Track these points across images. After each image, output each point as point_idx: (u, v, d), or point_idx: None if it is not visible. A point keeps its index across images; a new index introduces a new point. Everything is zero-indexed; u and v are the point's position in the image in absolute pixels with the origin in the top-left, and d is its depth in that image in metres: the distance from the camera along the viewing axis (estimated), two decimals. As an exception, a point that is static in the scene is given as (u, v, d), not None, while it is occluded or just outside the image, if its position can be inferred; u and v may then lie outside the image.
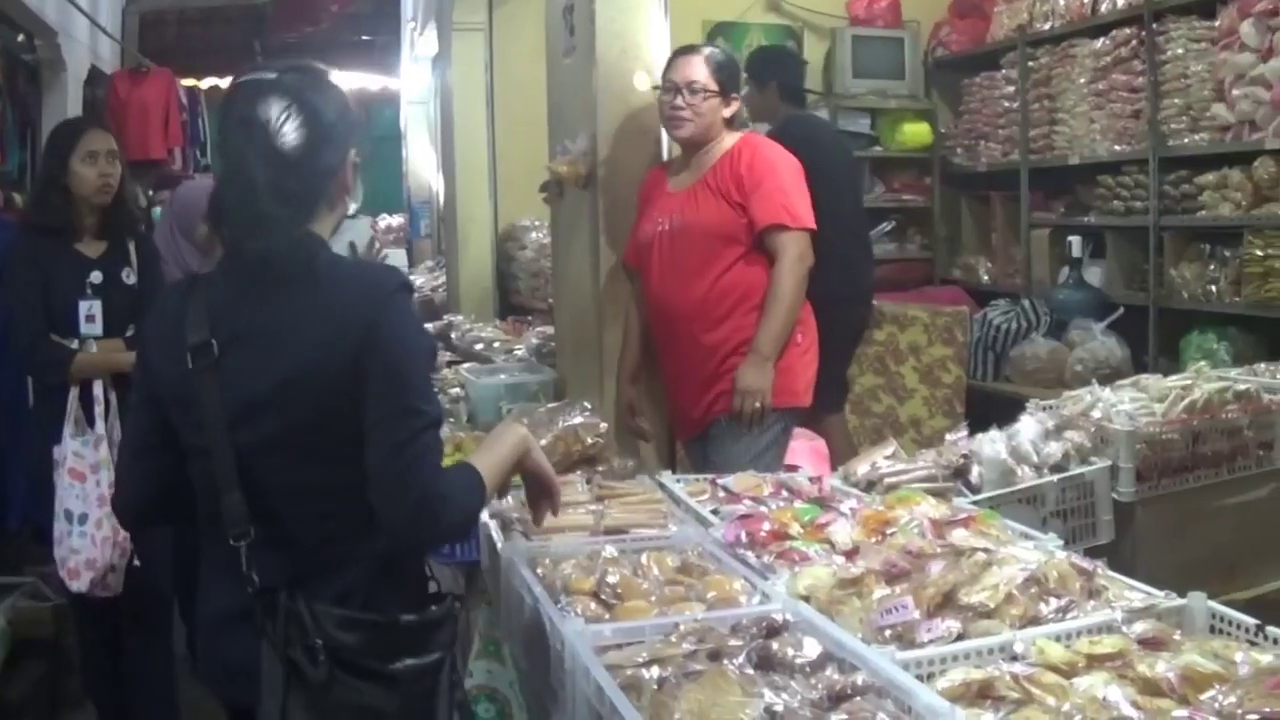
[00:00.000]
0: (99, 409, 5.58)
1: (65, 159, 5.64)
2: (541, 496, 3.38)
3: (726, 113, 5.66)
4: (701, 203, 5.57)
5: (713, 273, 5.51)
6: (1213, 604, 2.95)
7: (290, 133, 2.96)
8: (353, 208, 3.26)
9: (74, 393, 5.54)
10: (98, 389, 5.57)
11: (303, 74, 3.14)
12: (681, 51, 5.71)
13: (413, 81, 16.02)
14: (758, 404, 5.38)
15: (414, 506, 2.84)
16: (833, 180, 6.30)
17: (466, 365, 7.44)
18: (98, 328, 5.64)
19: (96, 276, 5.65)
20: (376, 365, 2.84)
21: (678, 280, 5.57)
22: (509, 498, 3.97)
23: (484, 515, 4.04)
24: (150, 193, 13.09)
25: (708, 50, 5.73)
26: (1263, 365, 5.56)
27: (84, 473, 5.49)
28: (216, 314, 2.95)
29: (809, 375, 5.66)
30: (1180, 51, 8.14)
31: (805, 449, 5.78)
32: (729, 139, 5.66)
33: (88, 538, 5.46)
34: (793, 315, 5.49)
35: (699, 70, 5.56)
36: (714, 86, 5.56)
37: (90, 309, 5.64)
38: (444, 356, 8.39)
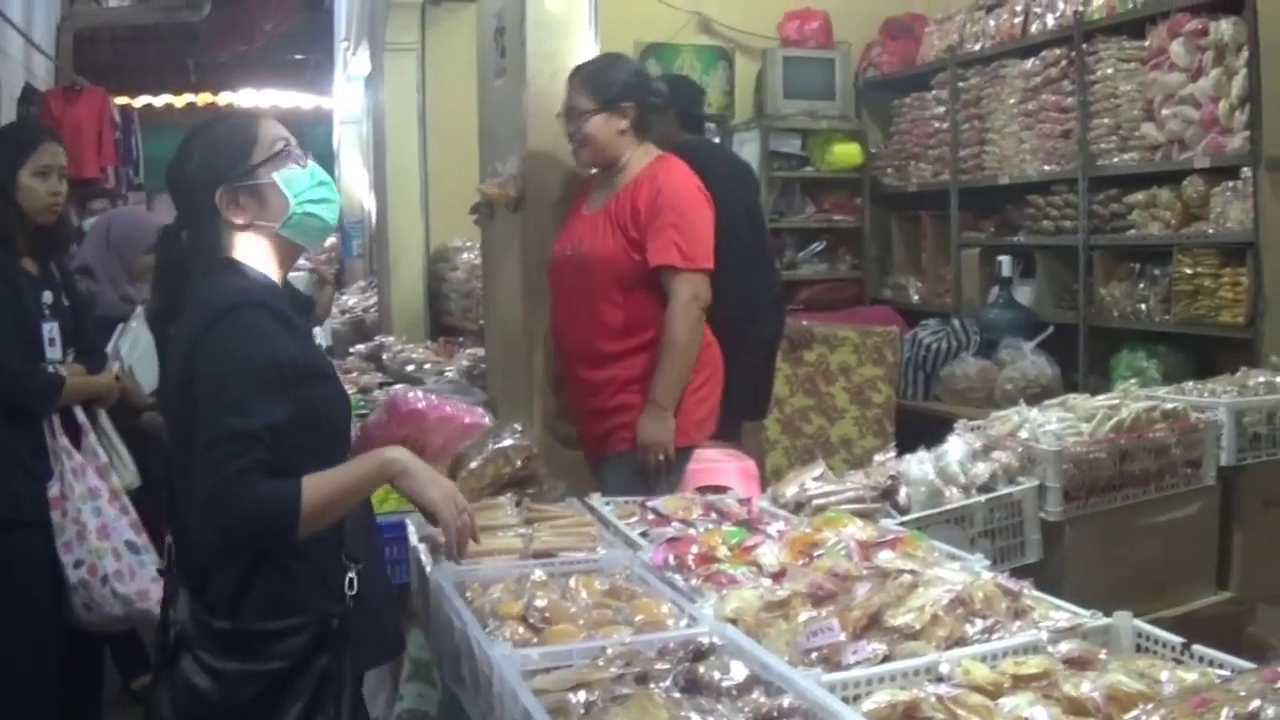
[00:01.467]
0: (91, 437, 5.36)
1: (15, 169, 5.25)
2: (438, 524, 3.45)
3: (622, 124, 5.46)
4: (600, 233, 5.42)
5: (602, 309, 5.37)
6: (1139, 623, 2.96)
7: (182, 168, 3.43)
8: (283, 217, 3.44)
9: (53, 421, 5.25)
10: (80, 415, 5.42)
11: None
12: (570, 75, 5.58)
13: (345, 101, 15.98)
14: (660, 457, 5.26)
15: (202, 510, 3.13)
16: (724, 204, 6.27)
17: (396, 387, 7.42)
18: (58, 351, 5.40)
19: (48, 297, 5.41)
20: (201, 375, 3.14)
21: (570, 312, 5.49)
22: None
23: (413, 539, 4.05)
24: (84, 209, 13.02)
25: (585, 69, 5.57)
26: (1191, 384, 5.59)
27: (123, 502, 5.37)
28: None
29: (700, 413, 5.51)
30: (1110, 71, 8.19)
31: (734, 470, 5.73)
32: (638, 161, 5.50)
33: (153, 566, 5.23)
34: (689, 359, 5.33)
35: (575, 93, 5.45)
36: (591, 105, 5.40)
37: (51, 331, 5.37)
38: (375, 378, 8.39)
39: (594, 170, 5.63)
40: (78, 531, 5.21)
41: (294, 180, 3.46)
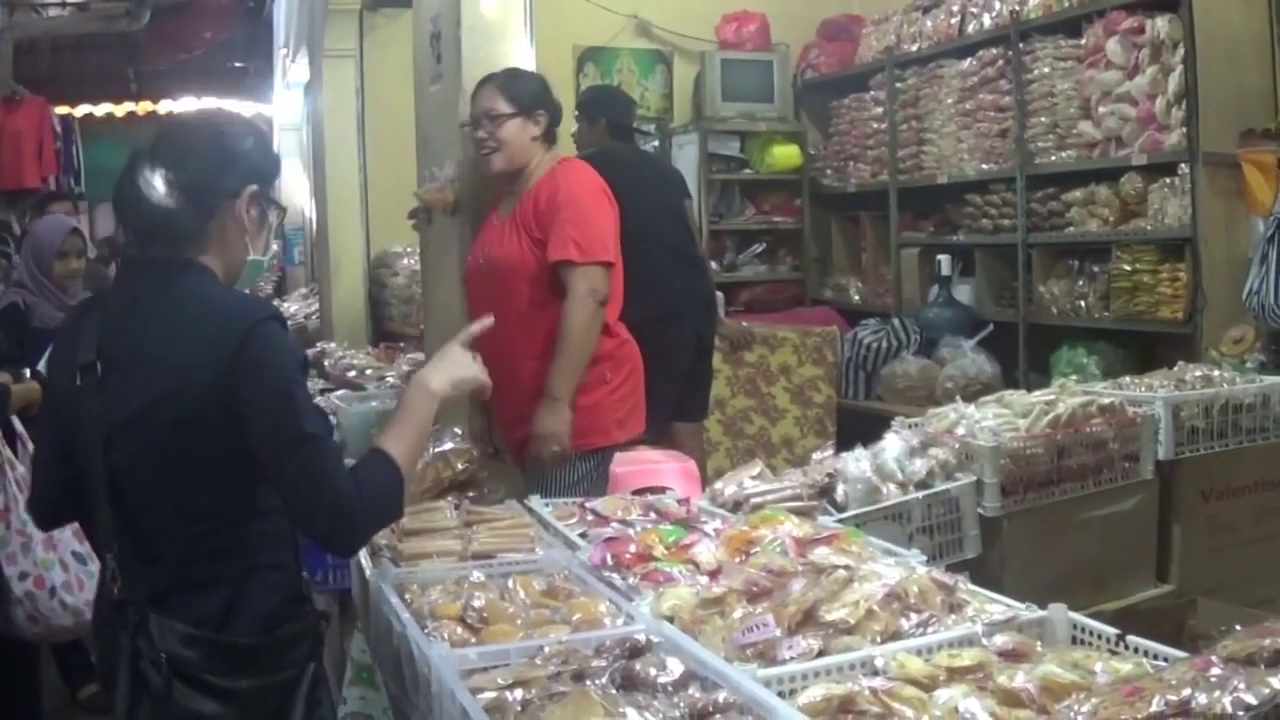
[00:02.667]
0: (32, 445, 5.32)
1: None
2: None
3: (535, 130, 5.52)
4: (507, 239, 5.48)
5: (515, 313, 5.31)
6: (1074, 615, 2.97)
7: (167, 172, 3.16)
8: (262, 256, 3.39)
9: None
10: (18, 425, 5.39)
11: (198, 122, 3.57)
12: (479, 84, 5.60)
13: (285, 108, 15.89)
14: (555, 448, 5.29)
15: (328, 519, 3.02)
16: (642, 207, 6.23)
17: (338, 393, 7.41)
18: None
19: None
20: (253, 394, 2.99)
21: (495, 318, 5.40)
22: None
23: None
24: (26, 219, 12.99)
25: (500, 76, 5.58)
26: (1128, 378, 5.62)
27: None
28: (106, 335, 3.12)
29: (621, 411, 5.56)
30: (1046, 70, 8.25)
31: (675, 470, 5.72)
32: (541, 166, 5.55)
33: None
34: (584, 352, 5.35)
35: (491, 98, 5.47)
36: (509, 109, 5.44)
37: None
38: (316, 384, 8.36)
39: (502, 175, 5.61)
40: (23, 543, 5.19)
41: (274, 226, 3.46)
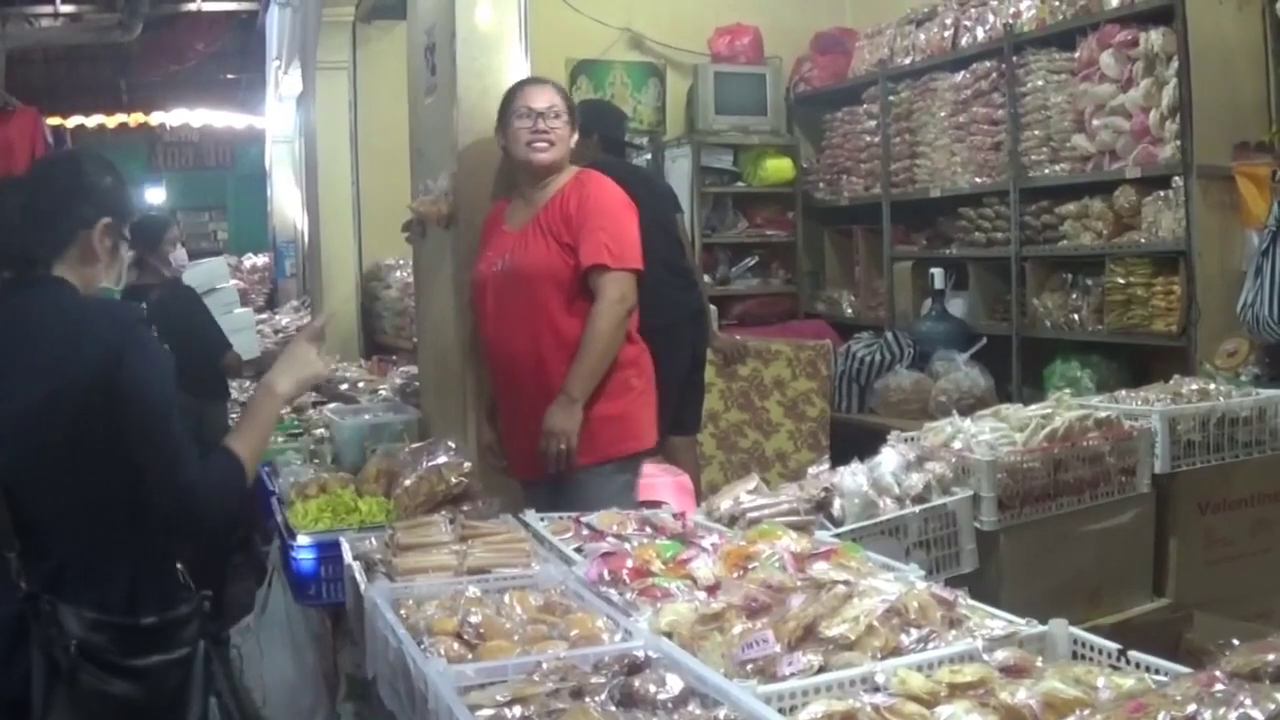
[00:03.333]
0: None
1: None
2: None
3: (574, 142, 5.62)
4: (532, 244, 5.47)
5: (545, 317, 5.39)
6: (1075, 630, 2.95)
7: (30, 199, 3.51)
8: (114, 285, 3.72)
9: None
10: None
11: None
12: (530, 82, 5.66)
13: (278, 120, 15.88)
14: (562, 445, 5.23)
15: (173, 502, 3.37)
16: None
17: (331, 405, 7.40)
18: None
19: None
20: (127, 392, 3.30)
21: (512, 324, 5.46)
22: (371, 539, 3.97)
23: (348, 557, 4.02)
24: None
25: (551, 81, 5.71)
26: (1124, 392, 5.60)
27: None
28: None
29: (648, 416, 5.61)
30: (1040, 83, 8.26)
31: (669, 484, 5.74)
32: (563, 178, 5.59)
33: None
34: (607, 357, 5.37)
35: (555, 97, 5.53)
36: (568, 114, 5.54)
37: None
38: (309, 396, 8.35)
39: (538, 172, 5.58)
40: None
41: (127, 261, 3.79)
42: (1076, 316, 8.02)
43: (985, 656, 2.75)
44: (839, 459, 4.73)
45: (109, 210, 3.57)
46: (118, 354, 3.30)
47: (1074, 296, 8.11)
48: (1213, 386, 5.45)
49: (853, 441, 6.81)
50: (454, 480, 4.83)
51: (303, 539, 4.88)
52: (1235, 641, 2.60)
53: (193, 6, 16.98)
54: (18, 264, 3.47)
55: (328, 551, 4.67)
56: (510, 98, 5.57)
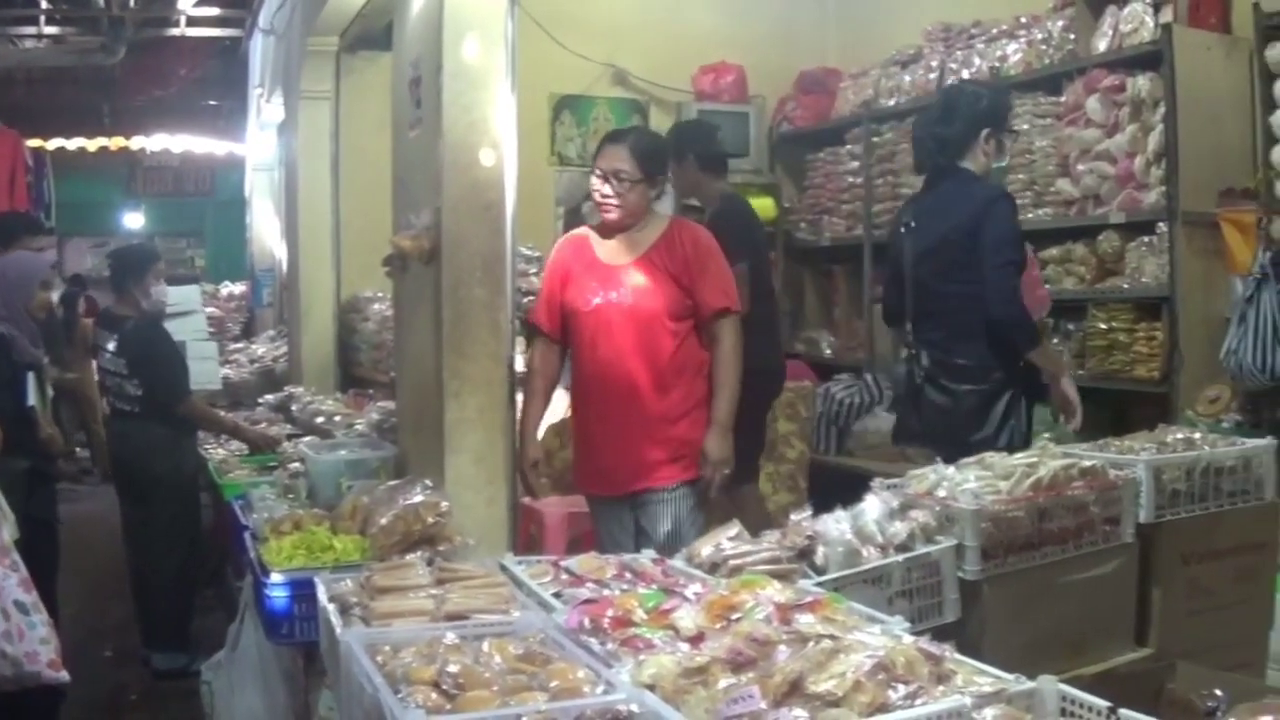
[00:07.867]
0: None
1: None
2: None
3: (653, 194, 5.92)
4: (655, 281, 5.83)
5: (667, 346, 5.81)
6: (1064, 686, 2.91)
7: None
8: None
9: None
10: None
11: None
12: (609, 139, 5.94)
13: (258, 147, 15.83)
14: (725, 471, 5.79)
15: None
16: (765, 259, 6.52)
17: (306, 439, 7.36)
18: None
19: None
20: None
21: (619, 352, 5.81)
22: (347, 579, 3.92)
23: (323, 599, 3.97)
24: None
25: (633, 138, 5.93)
26: (1108, 440, 5.57)
27: (13, 559, 5.25)
28: None
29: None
30: (1025, 127, 8.25)
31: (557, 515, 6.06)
32: (659, 218, 5.97)
33: (43, 626, 5.19)
34: (739, 390, 5.85)
35: (624, 159, 5.77)
36: (639, 175, 5.77)
37: None
38: (284, 429, 8.29)
39: (614, 230, 5.95)
40: None
41: None
42: (1058, 361, 8.00)
43: (974, 714, 2.71)
44: (817, 501, 4.69)
45: None
46: None
47: (1055, 341, 8.08)
48: (1198, 435, 5.42)
49: (830, 483, 6.78)
50: (430, 520, 4.79)
51: (276, 577, 4.84)
52: (1219, 691, 2.57)
53: (176, 31, 17.01)
54: None
55: (301, 590, 4.62)
56: (596, 151, 5.98)
